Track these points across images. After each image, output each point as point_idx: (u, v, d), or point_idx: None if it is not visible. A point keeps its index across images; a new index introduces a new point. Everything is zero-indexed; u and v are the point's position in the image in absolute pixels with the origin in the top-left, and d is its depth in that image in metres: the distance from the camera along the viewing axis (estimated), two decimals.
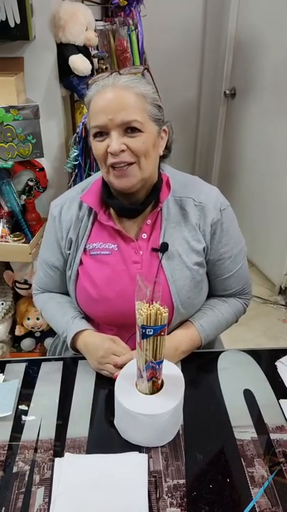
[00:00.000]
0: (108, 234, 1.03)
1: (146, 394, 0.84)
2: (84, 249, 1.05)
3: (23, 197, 1.71)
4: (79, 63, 1.58)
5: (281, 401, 0.95)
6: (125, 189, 0.96)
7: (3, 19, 1.42)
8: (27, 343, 1.88)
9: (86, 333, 1.03)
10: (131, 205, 1.00)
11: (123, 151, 0.91)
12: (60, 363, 1.05)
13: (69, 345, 1.05)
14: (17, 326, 1.86)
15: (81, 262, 1.05)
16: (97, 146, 0.94)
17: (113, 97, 0.91)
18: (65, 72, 1.62)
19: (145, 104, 0.92)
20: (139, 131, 0.91)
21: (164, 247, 1.00)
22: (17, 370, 1.03)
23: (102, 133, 0.92)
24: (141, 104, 0.92)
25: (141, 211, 1.02)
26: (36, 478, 0.79)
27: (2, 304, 1.80)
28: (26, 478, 0.79)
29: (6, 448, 0.85)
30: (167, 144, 1.02)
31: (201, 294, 1.07)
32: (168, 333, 1.01)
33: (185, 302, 1.02)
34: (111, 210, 1.04)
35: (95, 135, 0.93)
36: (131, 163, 0.92)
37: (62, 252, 1.09)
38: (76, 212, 1.05)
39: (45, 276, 1.14)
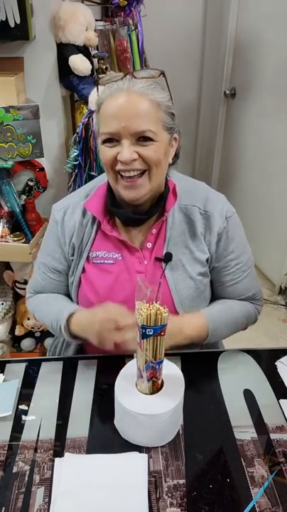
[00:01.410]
0: (112, 243, 1.02)
1: (146, 394, 0.84)
2: (87, 257, 1.03)
3: (23, 197, 1.71)
4: (79, 63, 1.58)
5: (281, 401, 0.95)
6: (133, 200, 0.94)
7: (3, 19, 1.42)
8: (27, 343, 1.88)
9: (77, 314, 1.00)
10: (136, 214, 0.99)
11: (134, 159, 0.88)
12: (60, 363, 1.05)
13: (66, 334, 1.00)
14: (17, 326, 1.86)
15: (83, 270, 1.04)
16: (106, 152, 0.91)
17: (127, 103, 0.87)
18: (65, 72, 1.62)
19: (159, 112, 0.89)
20: (152, 140, 0.89)
21: (168, 257, 0.99)
22: (17, 370, 1.03)
23: (113, 139, 0.89)
24: (155, 113, 0.89)
25: (146, 220, 1.00)
26: (36, 478, 0.79)
27: (2, 303, 1.80)
28: (26, 478, 0.79)
29: (6, 448, 0.85)
30: (176, 151, 1.00)
31: (204, 302, 1.07)
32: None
33: (189, 312, 1.01)
34: (116, 219, 1.02)
35: (105, 141, 0.90)
36: (141, 172, 0.90)
37: (65, 257, 1.07)
38: (79, 219, 1.03)
39: (43, 280, 1.11)
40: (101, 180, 1.07)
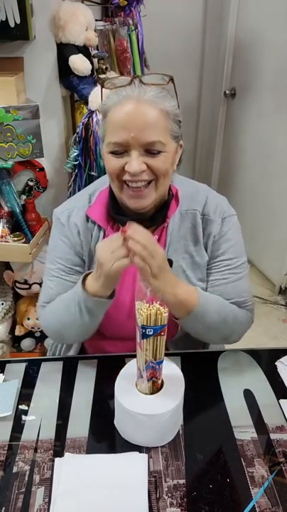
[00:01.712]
0: None
1: (146, 394, 0.84)
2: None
3: (23, 197, 1.71)
4: (79, 63, 1.58)
5: (281, 401, 0.95)
6: (138, 209, 0.93)
7: (3, 19, 1.42)
8: (27, 343, 1.88)
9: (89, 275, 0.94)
10: (139, 221, 0.94)
11: (143, 171, 0.86)
12: (60, 363, 1.05)
13: (86, 300, 0.91)
14: (17, 326, 1.86)
15: None
16: (112, 162, 0.88)
17: (137, 112, 0.84)
18: (64, 72, 1.62)
19: (168, 121, 0.87)
20: (160, 151, 0.87)
21: (168, 263, 0.98)
22: (17, 370, 1.03)
23: (120, 149, 0.86)
24: (164, 122, 0.86)
25: (148, 227, 0.96)
26: (36, 478, 0.79)
27: (2, 303, 1.80)
28: (26, 478, 0.79)
29: (6, 448, 0.85)
30: (180, 157, 0.98)
31: None
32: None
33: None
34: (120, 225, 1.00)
35: (112, 150, 0.87)
36: (148, 182, 0.89)
37: (79, 257, 1.03)
38: (84, 223, 1.01)
39: (58, 286, 1.03)
40: (102, 183, 1.06)
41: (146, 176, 0.88)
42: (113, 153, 0.87)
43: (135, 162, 0.85)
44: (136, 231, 0.82)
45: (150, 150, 0.86)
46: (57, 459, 0.82)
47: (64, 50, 1.59)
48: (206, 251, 1.02)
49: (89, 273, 0.93)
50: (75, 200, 1.06)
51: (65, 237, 1.02)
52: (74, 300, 0.94)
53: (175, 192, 1.01)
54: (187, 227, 1.01)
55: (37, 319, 1.81)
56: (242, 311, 1.02)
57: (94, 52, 1.71)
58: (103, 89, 0.92)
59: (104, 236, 1.01)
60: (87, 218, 1.02)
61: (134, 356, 0.84)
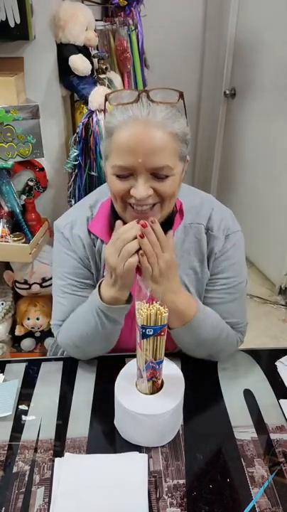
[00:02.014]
0: None
1: (146, 394, 0.84)
2: (103, 277, 0.99)
3: (23, 197, 1.71)
4: (79, 63, 1.58)
5: (281, 401, 0.95)
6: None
7: (3, 19, 1.42)
8: (27, 343, 1.88)
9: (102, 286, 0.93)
10: None
11: (149, 195, 0.83)
12: (60, 363, 1.05)
13: (107, 310, 0.91)
14: (17, 326, 1.86)
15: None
16: (117, 185, 0.84)
17: (145, 137, 0.79)
18: (65, 72, 1.62)
19: (176, 143, 0.82)
20: (168, 175, 0.83)
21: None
22: (17, 370, 1.03)
23: (126, 173, 0.82)
24: (173, 145, 0.82)
25: None
26: (36, 478, 0.79)
27: (2, 303, 1.80)
28: (26, 478, 0.79)
29: (6, 448, 0.85)
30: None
31: None
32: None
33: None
34: None
35: (117, 174, 0.83)
36: (153, 204, 0.85)
37: (89, 269, 1.01)
38: (87, 236, 0.99)
39: (71, 302, 1.01)
40: (103, 193, 1.02)
41: (152, 200, 0.84)
42: (118, 176, 0.83)
43: (142, 188, 0.81)
44: (150, 233, 0.82)
45: (157, 174, 0.82)
46: (57, 459, 0.82)
47: (64, 50, 1.59)
48: (208, 267, 1.00)
49: (100, 283, 0.93)
50: (77, 212, 1.03)
51: (71, 252, 1.00)
52: (92, 312, 0.93)
53: (179, 206, 0.98)
54: (191, 241, 0.98)
55: (37, 319, 1.81)
56: (232, 330, 1.01)
57: (94, 52, 1.71)
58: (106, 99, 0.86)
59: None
60: (89, 232, 0.99)
61: (134, 356, 0.84)
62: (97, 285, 0.93)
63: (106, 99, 0.85)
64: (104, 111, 0.89)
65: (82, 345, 1.00)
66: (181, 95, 0.84)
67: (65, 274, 1.01)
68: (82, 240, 0.99)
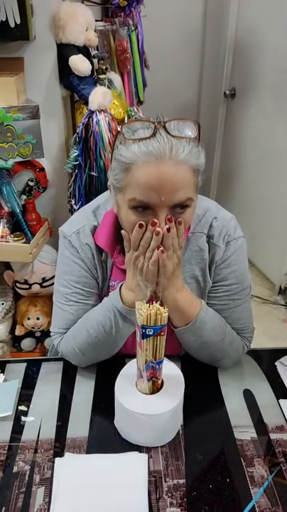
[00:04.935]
0: (125, 274, 0.94)
1: (146, 394, 0.84)
2: (108, 286, 1.00)
3: (23, 197, 1.71)
4: (79, 63, 1.58)
5: (281, 401, 0.95)
6: None
7: (3, 19, 1.42)
8: (27, 343, 1.88)
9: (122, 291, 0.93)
10: None
11: None
12: (60, 363, 1.05)
13: (130, 314, 0.90)
14: (17, 326, 1.86)
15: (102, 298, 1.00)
16: (132, 218, 0.82)
17: (170, 176, 0.77)
18: (65, 73, 1.62)
19: (196, 177, 0.82)
20: (188, 206, 0.82)
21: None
22: (17, 370, 1.03)
23: (144, 206, 0.80)
24: (194, 178, 0.81)
25: None
26: (36, 478, 0.79)
27: (2, 303, 1.80)
28: (26, 478, 0.79)
29: (6, 448, 0.85)
30: None
31: None
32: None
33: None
34: None
35: (135, 207, 0.81)
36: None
37: (95, 279, 1.01)
38: (93, 243, 0.98)
39: (78, 310, 1.00)
40: (105, 199, 1.01)
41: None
42: (135, 208, 0.81)
43: (163, 224, 0.80)
44: (168, 237, 0.82)
45: (178, 207, 0.81)
46: (57, 459, 0.82)
47: (64, 51, 1.59)
48: (210, 276, 0.99)
49: (120, 287, 0.93)
50: (82, 219, 1.00)
51: (79, 260, 0.98)
52: (109, 316, 0.92)
53: None
54: (192, 251, 0.98)
55: (37, 319, 1.81)
56: (238, 338, 1.01)
57: (94, 52, 1.71)
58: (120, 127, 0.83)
59: (111, 259, 0.98)
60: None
61: (134, 356, 0.84)
62: (118, 288, 0.93)
63: (118, 132, 0.82)
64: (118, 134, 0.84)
65: (89, 352, 0.99)
66: (198, 126, 0.82)
67: (70, 282, 1.00)
68: (92, 249, 0.98)
